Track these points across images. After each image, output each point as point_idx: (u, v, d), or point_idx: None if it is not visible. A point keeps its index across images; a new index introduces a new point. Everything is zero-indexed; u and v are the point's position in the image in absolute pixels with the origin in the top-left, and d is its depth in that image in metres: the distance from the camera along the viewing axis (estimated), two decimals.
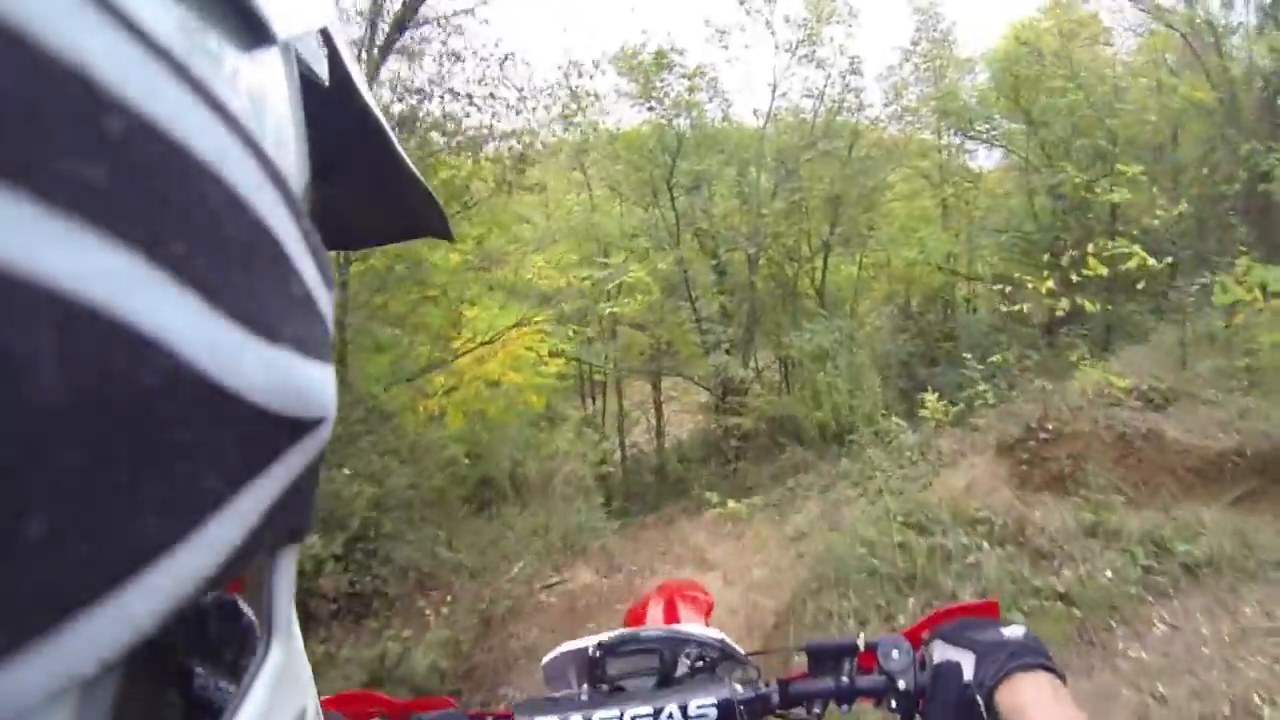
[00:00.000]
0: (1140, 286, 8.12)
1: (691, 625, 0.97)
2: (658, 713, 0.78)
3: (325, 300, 0.22)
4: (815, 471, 8.20)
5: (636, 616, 1.21)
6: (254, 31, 0.20)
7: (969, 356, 7.75)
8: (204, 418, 0.16)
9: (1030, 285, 8.11)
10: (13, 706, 0.13)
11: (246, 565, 0.19)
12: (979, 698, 0.71)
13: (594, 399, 11.92)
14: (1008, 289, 8.28)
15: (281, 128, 0.22)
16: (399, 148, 0.35)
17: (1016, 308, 8.21)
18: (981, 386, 7.21)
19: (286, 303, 0.19)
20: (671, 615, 1.16)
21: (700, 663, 0.93)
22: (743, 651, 0.96)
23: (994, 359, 7.92)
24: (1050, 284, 8.01)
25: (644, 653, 0.93)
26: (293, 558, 0.27)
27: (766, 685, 0.84)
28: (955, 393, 7.74)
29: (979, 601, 0.90)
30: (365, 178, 0.36)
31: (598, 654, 0.93)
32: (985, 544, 4.54)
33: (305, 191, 0.25)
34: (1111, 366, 7.37)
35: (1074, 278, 7.77)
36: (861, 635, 0.83)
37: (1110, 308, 9.01)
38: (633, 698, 0.81)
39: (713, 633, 0.95)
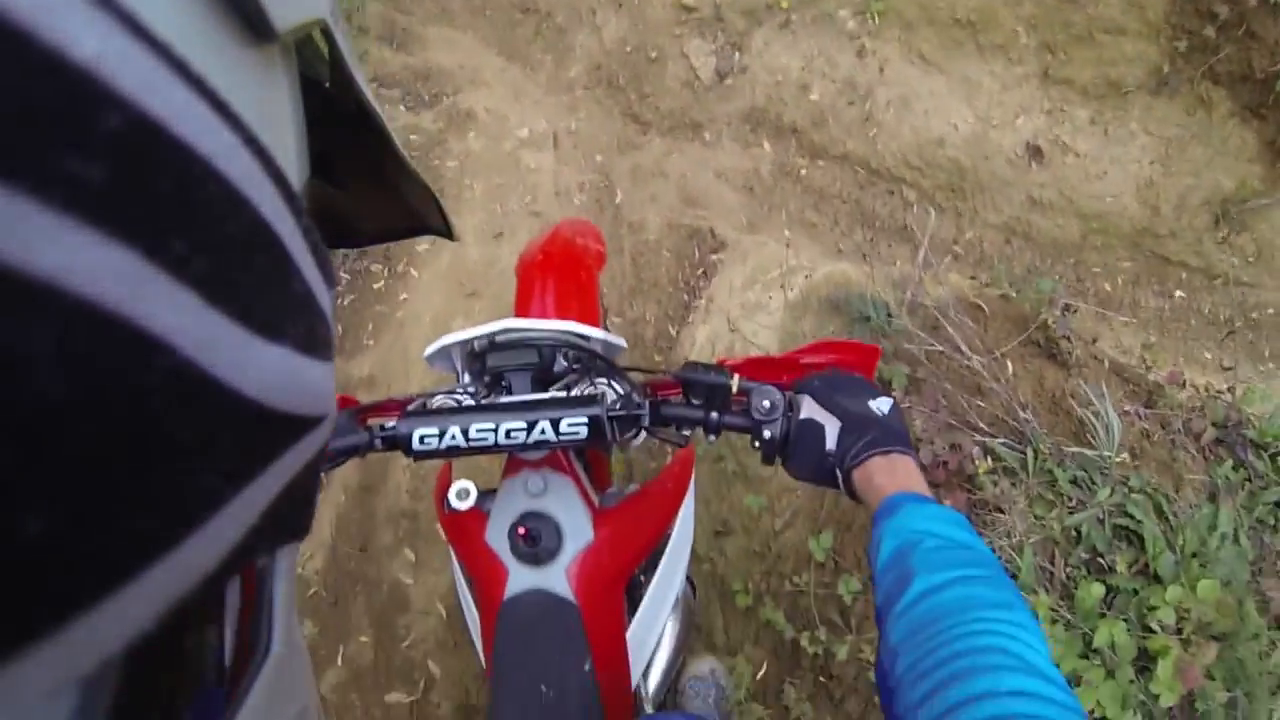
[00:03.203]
0: None
1: (575, 323, 0.96)
2: (531, 426, 0.80)
3: (325, 299, 0.22)
4: None
5: (527, 276, 1.19)
6: (254, 27, 0.20)
7: None
8: (204, 416, 0.16)
9: None
10: (13, 705, 0.13)
11: (246, 563, 0.19)
12: (837, 470, 0.75)
13: None
14: None
15: (281, 125, 0.22)
16: (399, 145, 0.35)
17: None
18: None
19: (286, 301, 0.19)
20: (561, 295, 1.14)
21: (578, 363, 0.94)
22: (624, 345, 1.00)
23: None
24: None
25: (525, 346, 0.94)
26: (293, 556, 0.27)
27: (640, 402, 0.86)
28: None
29: (861, 344, 0.92)
30: (365, 175, 0.36)
31: (483, 348, 0.94)
32: None
33: (305, 189, 0.25)
34: None
35: None
36: (736, 377, 0.83)
37: None
38: (509, 409, 0.82)
39: (595, 333, 0.96)
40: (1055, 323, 2.21)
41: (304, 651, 0.31)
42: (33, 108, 0.12)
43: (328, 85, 0.30)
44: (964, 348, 2.13)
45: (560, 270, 1.18)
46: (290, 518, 0.22)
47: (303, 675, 0.30)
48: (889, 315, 2.41)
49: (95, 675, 0.15)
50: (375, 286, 3.18)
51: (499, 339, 0.94)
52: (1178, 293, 3.26)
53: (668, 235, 3.35)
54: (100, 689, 0.17)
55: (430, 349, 0.96)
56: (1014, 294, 2.49)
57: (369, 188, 0.38)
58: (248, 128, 0.18)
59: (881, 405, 0.79)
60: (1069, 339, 2.22)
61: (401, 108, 3.69)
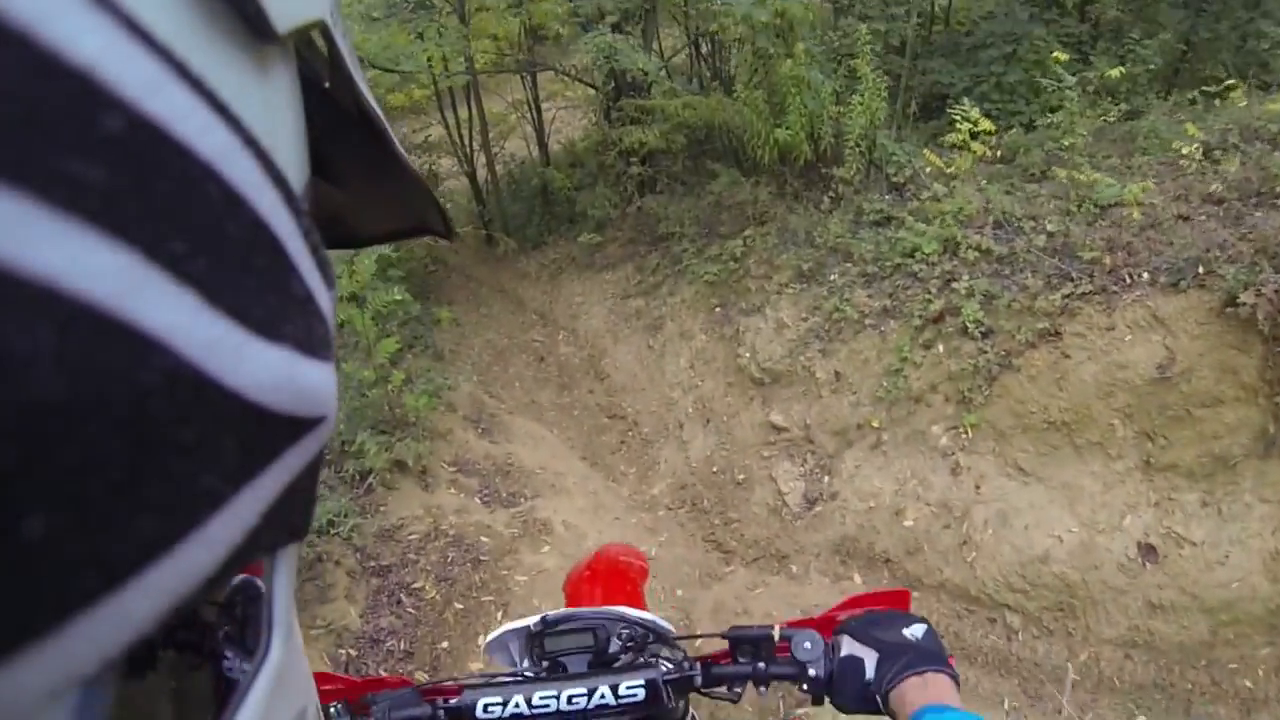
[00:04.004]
0: None
1: (625, 607, 1.04)
2: (591, 692, 0.85)
3: (325, 299, 0.22)
4: (782, 229, 4.89)
5: (576, 587, 1.27)
6: (254, 29, 0.20)
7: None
8: (204, 417, 0.16)
9: None
10: (13, 706, 0.13)
11: (246, 564, 0.19)
12: (878, 696, 0.80)
13: (455, 109, 7.87)
14: None
15: (281, 126, 0.22)
16: (398, 145, 0.34)
17: None
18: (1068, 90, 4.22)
19: (286, 301, 0.19)
20: (609, 591, 1.22)
21: (631, 641, 0.99)
22: (673, 630, 1.04)
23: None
24: None
25: (580, 631, 0.99)
26: (293, 557, 0.27)
27: (691, 665, 0.92)
28: (1008, 103, 4.90)
29: (891, 590, 0.97)
30: (364, 176, 0.36)
31: (538, 629, 1.00)
32: None
33: (305, 190, 0.25)
34: None
35: None
36: (777, 627, 0.90)
37: None
38: (570, 678, 0.88)
39: (645, 615, 1.03)
40: None
41: (303, 653, 0.30)
42: (33, 109, 0.12)
43: (327, 85, 0.30)
44: None
45: (607, 579, 1.27)
46: (290, 518, 0.22)
47: (302, 676, 0.30)
48: None
49: (95, 675, 0.15)
50: None
51: (553, 618, 1.00)
52: None
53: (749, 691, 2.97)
54: (100, 689, 0.17)
55: (490, 636, 1.03)
56: None
57: (369, 188, 0.37)
58: (248, 129, 0.18)
59: (916, 631, 0.84)
60: None
61: (478, 499, 3.72)
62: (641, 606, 1.20)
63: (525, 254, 7.32)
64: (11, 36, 0.12)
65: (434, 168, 8.04)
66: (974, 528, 3.33)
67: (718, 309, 5.03)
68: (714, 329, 4.94)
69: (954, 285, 3.88)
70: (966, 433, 3.53)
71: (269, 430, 0.19)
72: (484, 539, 3.34)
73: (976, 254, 3.94)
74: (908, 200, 4.64)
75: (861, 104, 4.67)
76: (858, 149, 4.73)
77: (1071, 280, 3.56)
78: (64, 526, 0.13)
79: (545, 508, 3.57)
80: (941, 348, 3.78)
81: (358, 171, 0.35)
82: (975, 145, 4.41)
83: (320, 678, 0.85)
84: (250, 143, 0.18)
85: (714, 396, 4.54)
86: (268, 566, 0.26)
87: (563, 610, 1.02)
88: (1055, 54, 4.50)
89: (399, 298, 3.83)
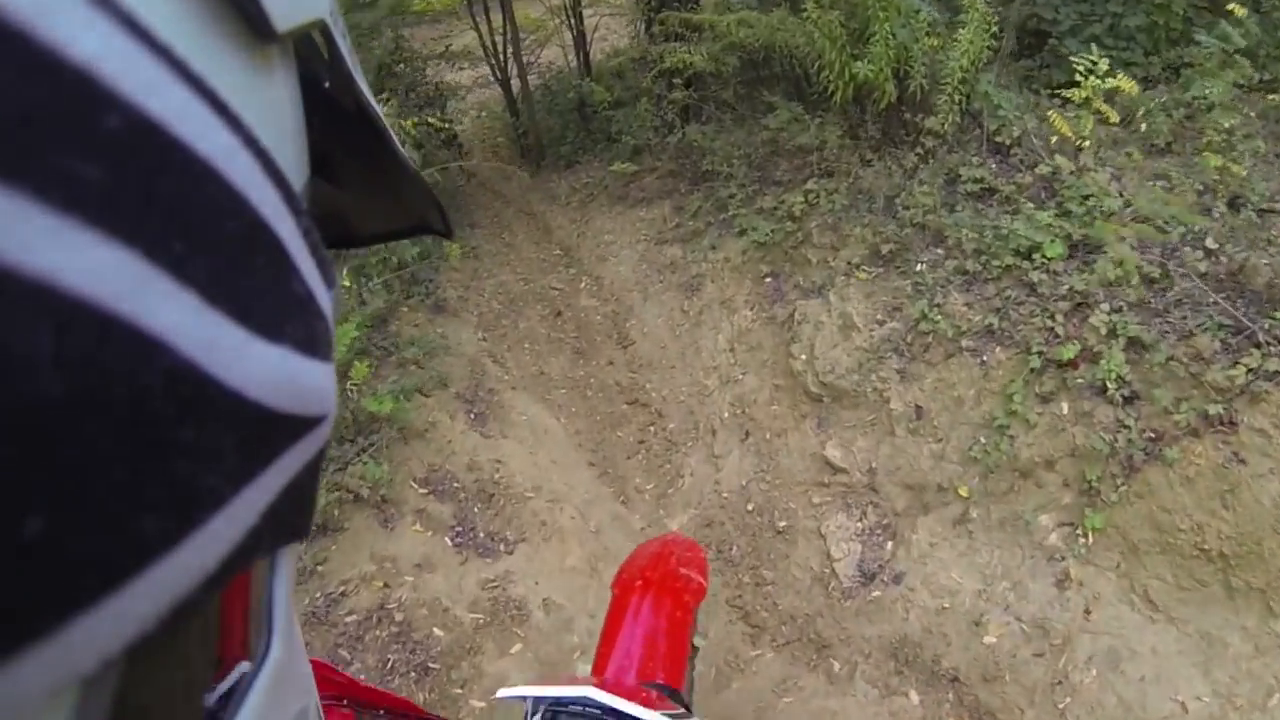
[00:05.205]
0: None
1: (653, 714, 0.99)
2: None
3: (325, 299, 0.22)
4: (853, 188, 3.93)
5: (624, 592, 1.26)
6: (254, 28, 0.20)
7: None
8: (203, 416, 0.16)
9: None
10: (13, 706, 0.13)
11: (247, 563, 0.19)
12: None
13: (487, 13, 7.22)
14: None
15: (281, 125, 0.22)
16: (398, 144, 0.34)
17: None
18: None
19: (286, 301, 0.19)
20: (655, 611, 1.19)
21: None
22: None
23: None
24: None
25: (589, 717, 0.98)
26: (292, 557, 0.28)
27: None
28: (1123, 51, 3.83)
29: None
30: (364, 175, 0.36)
31: (554, 710, 0.99)
32: None
33: (305, 190, 0.25)
34: None
35: None
36: None
37: None
38: None
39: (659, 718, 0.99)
40: None
41: (304, 653, 0.31)
42: (32, 108, 0.12)
43: (327, 85, 0.30)
44: None
45: (656, 602, 1.21)
46: (291, 518, 0.22)
47: (302, 676, 0.30)
48: None
49: (95, 675, 0.15)
50: None
51: (572, 709, 0.98)
52: None
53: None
54: (100, 689, 0.17)
55: (506, 693, 1.02)
56: None
57: (369, 188, 0.37)
58: (247, 128, 0.18)
59: None
60: None
61: (448, 540, 2.94)
62: (680, 659, 1.18)
63: (558, 173, 6.56)
64: (10, 35, 0.12)
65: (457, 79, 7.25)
66: (1075, 664, 2.57)
67: (768, 279, 4.07)
68: (762, 305, 4.01)
69: (1090, 316, 2.91)
70: (1085, 535, 2.67)
71: (269, 430, 0.19)
72: (438, 630, 2.65)
73: (1119, 272, 2.93)
74: (1016, 170, 3.56)
75: (964, 41, 3.59)
76: (952, 95, 3.67)
77: (1258, 346, 2.58)
78: (64, 526, 0.13)
79: (526, 573, 2.86)
80: (1066, 406, 2.85)
81: (358, 171, 0.34)
82: (1103, 107, 3.32)
83: (321, 668, 0.76)
84: (250, 142, 0.18)
85: (756, 400, 3.69)
86: (268, 566, 0.26)
87: (586, 691, 0.97)
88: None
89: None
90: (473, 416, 3.58)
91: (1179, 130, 3.43)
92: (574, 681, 1.06)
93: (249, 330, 0.17)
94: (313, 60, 0.28)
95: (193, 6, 0.17)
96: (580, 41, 7.14)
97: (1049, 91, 3.92)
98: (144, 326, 0.14)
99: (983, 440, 2.93)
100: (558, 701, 0.98)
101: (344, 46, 0.28)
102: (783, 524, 3.25)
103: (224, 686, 0.26)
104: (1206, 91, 3.23)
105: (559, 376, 4.26)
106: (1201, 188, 3.11)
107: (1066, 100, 3.47)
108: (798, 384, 3.55)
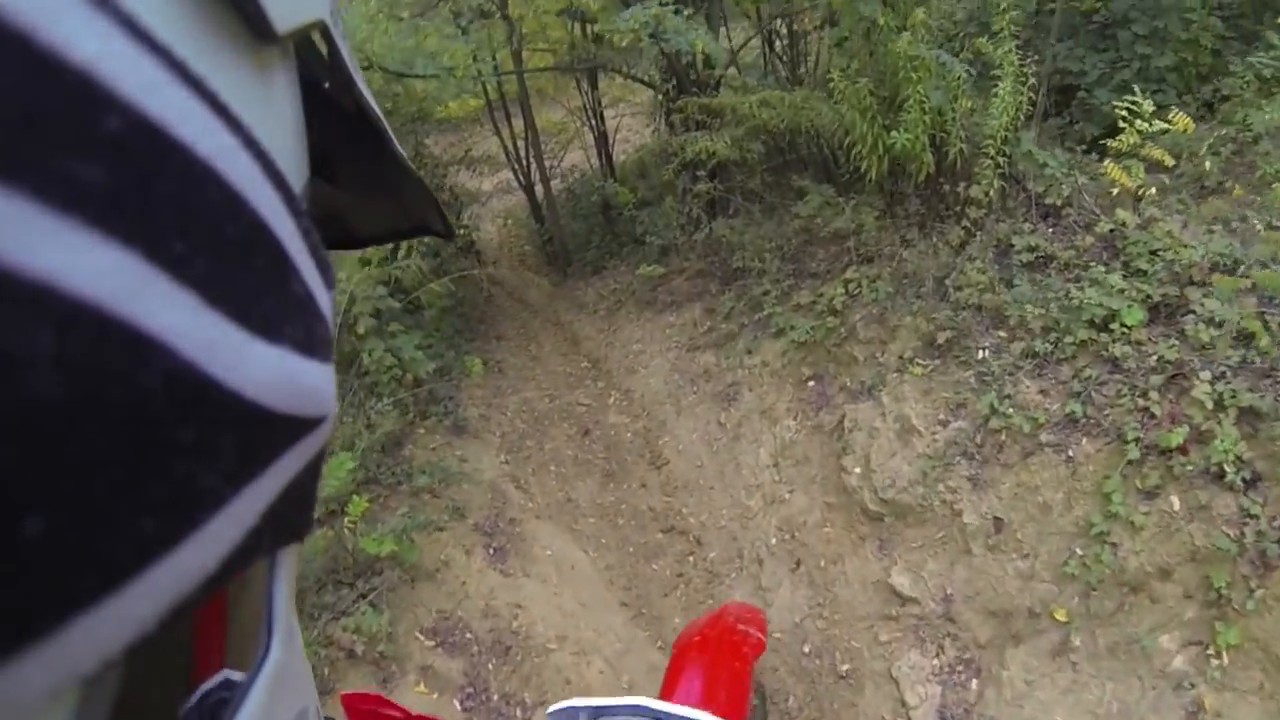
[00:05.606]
0: None
1: (705, 715, 0.99)
2: None
3: (325, 299, 0.22)
4: (897, 273, 3.53)
5: (683, 653, 1.27)
6: (254, 29, 0.20)
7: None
8: (203, 417, 0.16)
9: None
10: (14, 706, 0.13)
11: (247, 564, 0.19)
12: None
13: (509, 119, 7.00)
14: None
15: (281, 126, 0.22)
16: (397, 145, 0.34)
17: None
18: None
19: (286, 302, 0.19)
20: (714, 666, 1.18)
21: None
22: None
23: None
24: None
25: None
26: (293, 557, 0.27)
27: None
28: (1157, 94, 3.40)
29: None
30: (364, 176, 0.36)
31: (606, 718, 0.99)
32: None
33: (304, 191, 0.25)
34: None
35: None
36: None
37: None
38: None
39: None
40: None
41: (303, 653, 0.30)
42: (33, 109, 0.12)
43: (327, 86, 0.30)
44: None
45: (715, 656, 1.21)
46: (291, 519, 0.22)
47: (302, 677, 0.30)
48: None
49: (95, 675, 0.15)
50: None
51: (623, 716, 0.98)
52: None
53: None
54: (100, 689, 0.17)
55: (557, 707, 1.01)
56: None
57: (369, 188, 0.37)
58: (247, 129, 0.18)
59: None
60: None
61: (457, 705, 2.59)
62: (744, 689, 1.18)
63: (585, 279, 6.37)
64: (11, 37, 0.12)
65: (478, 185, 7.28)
66: None
67: (811, 382, 3.69)
68: (807, 412, 3.62)
69: (1190, 389, 2.46)
70: (1218, 655, 2.12)
71: (269, 431, 0.19)
72: None
73: (1213, 332, 2.50)
74: (1073, 232, 3.22)
75: (1003, 98, 3.30)
76: (995, 159, 3.36)
77: None
78: (64, 526, 0.13)
79: None
80: (1176, 500, 2.36)
81: (358, 171, 0.34)
82: (1155, 152, 3.03)
83: (375, 700, 0.74)
84: (250, 143, 0.18)
85: (807, 522, 3.24)
86: (268, 567, 0.26)
87: (638, 700, 0.99)
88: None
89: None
90: (491, 552, 3.22)
91: (1229, 166, 3.15)
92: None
93: (249, 331, 0.17)
94: (313, 61, 0.28)
95: (193, 8, 0.17)
96: (602, 142, 7.03)
97: (1083, 148, 3.66)
98: (144, 327, 0.14)
99: (1079, 551, 2.44)
100: (608, 709, 0.98)
101: (344, 48, 0.28)
102: (846, 667, 2.74)
103: (197, 696, 0.26)
104: (1250, 120, 3.00)
105: (587, 503, 3.89)
106: (1271, 224, 2.73)
107: (1106, 151, 3.21)
108: (853, 501, 3.11)
